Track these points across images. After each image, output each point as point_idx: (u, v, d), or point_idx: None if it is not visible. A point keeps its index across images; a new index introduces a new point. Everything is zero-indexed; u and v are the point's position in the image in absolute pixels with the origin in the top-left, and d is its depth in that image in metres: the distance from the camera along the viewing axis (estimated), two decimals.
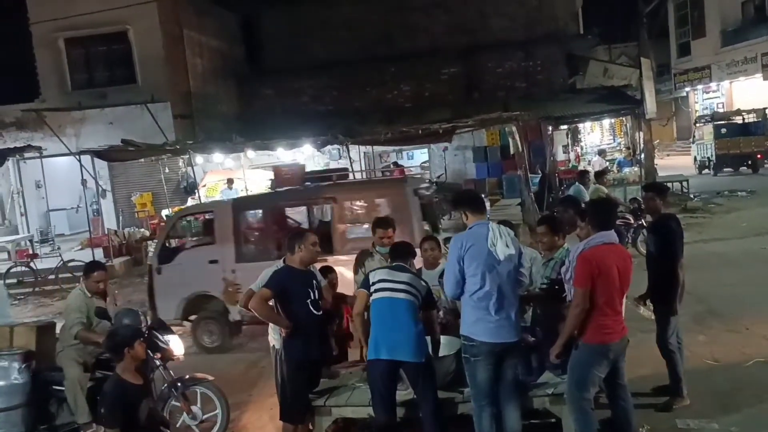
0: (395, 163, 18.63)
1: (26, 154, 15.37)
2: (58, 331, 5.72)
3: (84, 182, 14.92)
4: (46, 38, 17.30)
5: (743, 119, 22.42)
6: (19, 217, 16.98)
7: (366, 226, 8.91)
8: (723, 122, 22.41)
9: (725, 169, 21.13)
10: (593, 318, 4.17)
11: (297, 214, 9.34)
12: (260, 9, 20.94)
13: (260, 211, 8.97)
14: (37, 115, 16.31)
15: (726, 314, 7.44)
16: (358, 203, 9.08)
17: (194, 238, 10.25)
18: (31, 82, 17.61)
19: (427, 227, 8.64)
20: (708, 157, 22.00)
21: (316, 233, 8.39)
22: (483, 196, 14.91)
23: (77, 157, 14.10)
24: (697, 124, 24.11)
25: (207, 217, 9.62)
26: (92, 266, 5.77)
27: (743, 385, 5.53)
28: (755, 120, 22.11)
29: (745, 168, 21.02)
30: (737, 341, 6.60)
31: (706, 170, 22.08)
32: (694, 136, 24.20)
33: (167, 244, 9.16)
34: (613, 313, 4.25)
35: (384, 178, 9.21)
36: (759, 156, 20.65)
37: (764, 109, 22.19)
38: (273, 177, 9.42)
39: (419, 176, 10.60)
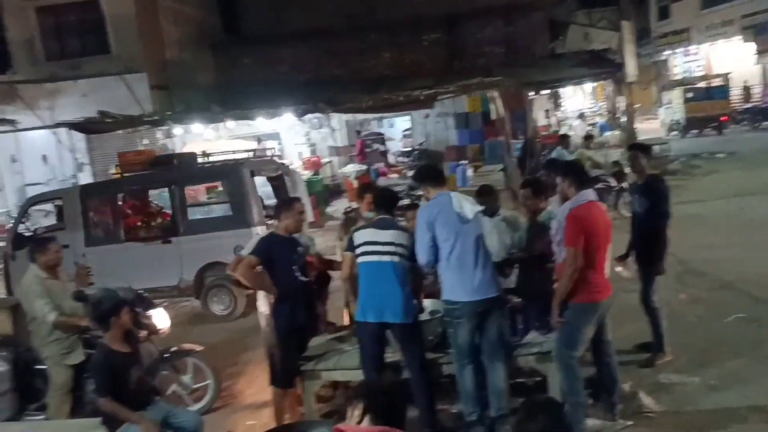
0: (357, 132, 18.41)
1: None
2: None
3: (44, 157, 14.73)
4: (15, 7, 16.80)
5: (708, 84, 23.70)
6: None
7: (206, 208, 9.48)
8: (690, 87, 23.50)
9: (692, 131, 22.19)
10: (584, 277, 4.21)
11: (145, 198, 9.64)
12: None
13: (107, 196, 9.26)
14: (9, 88, 15.94)
15: (706, 273, 7.60)
16: (197, 186, 9.57)
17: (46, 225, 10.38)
18: (1, 53, 17.14)
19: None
20: (677, 120, 22.98)
21: (162, 215, 9.01)
22: (465, 162, 15.01)
23: (53, 130, 13.86)
24: (665, 90, 24.81)
25: (56, 203, 9.78)
26: (44, 241, 5.33)
27: (723, 340, 5.68)
28: (720, 85, 23.42)
29: (709, 130, 22.04)
30: (717, 299, 6.75)
31: (674, 132, 22.85)
32: (660, 101, 24.83)
33: (20, 231, 9.38)
34: (602, 271, 4.31)
35: (222, 162, 9.96)
36: (723, 118, 21.88)
37: (727, 74, 23.82)
38: (118, 162, 9.71)
39: (268, 158, 11.09)
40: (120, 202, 9.29)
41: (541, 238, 4.91)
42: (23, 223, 9.62)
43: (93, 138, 15.98)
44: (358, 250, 4.51)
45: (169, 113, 14.71)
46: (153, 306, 5.39)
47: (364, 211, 5.70)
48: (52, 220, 10.83)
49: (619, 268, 5.51)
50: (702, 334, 5.89)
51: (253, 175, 8.61)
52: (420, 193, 12.17)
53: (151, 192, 9.87)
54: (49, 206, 11.18)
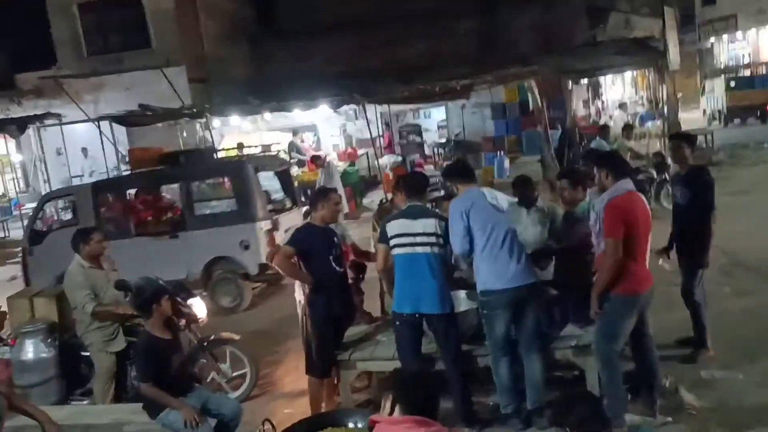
0: (386, 125, 18.39)
1: (46, 122, 15.44)
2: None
3: (84, 150, 15.11)
4: (60, 4, 17.24)
5: (752, 72, 23.16)
6: (42, 183, 17.17)
7: (213, 203, 9.97)
8: (733, 75, 22.93)
9: (735, 121, 21.43)
10: (624, 268, 4.13)
11: (155, 193, 9.78)
12: None
13: (118, 192, 9.51)
14: (54, 82, 16.36)
15: (752, 266, 7.37)
16: (204, 183, 10.19)
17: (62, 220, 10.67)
18: (47, 49, 17.61)
19: (287, 200, 9.75)
20: (719, 110, 22.23)
21: (174, 210, 9.21)
22: (501, 153, 14.86)
23: (96, 123, 14.18)
24: (707, 78, 24.07)
25: (70, 199, 10.03)
26: (86, 231, 5.46)
27: None
28: (765, 73, 22.73)
29: (753, 119, 21.26)
30: (763, 293, 6.55)
31: (716, 122, 22.15)
32: (703, 89, 24.13)
33: (36, 227, 9.72)
34: (643, 262, 4.22)
35: (228, 159, 10.25)
36: None
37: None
38: (129, 159, 9.98)
39: (274, 153, 11.36)
40: (130, 198, 9.56)
41: (578, 230, 4.84)
42: (39, 219, 9.94)
43: (134, 131, 16.30)
44: (392, 242, 4.48)
45: (207, 106, 14.92)
46: (192, 295, 5.48)
47: (399, 203, 5.68)
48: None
49: (660, 261, 5.39)
50: (747, 328, 5.73)
51: (257, 170, 8.82)
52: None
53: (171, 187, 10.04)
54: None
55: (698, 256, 5.27)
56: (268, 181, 10.32)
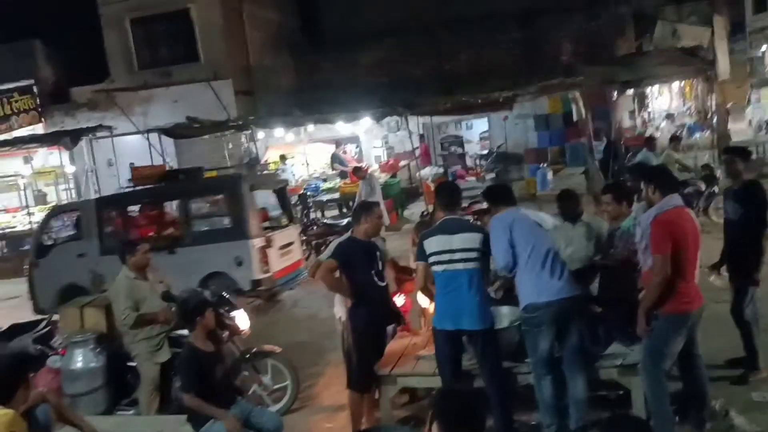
0: (421, 137, 18.34)
1: (98, 134, 15.96)
2: None
3: (131, 164, 15.59)
4: (113, 19, 17.85)
5: None
6: (94, 194, 17.72)
7: (210, 219, 10.19)
8: None
9: None
10: (673, 286, 4.03)
11: (157, 209, 10.07)
12: None
13: (120, 207, 9.79)
14: (107, 95, 16.92)
15: None
16: (201, 199, 10.47)
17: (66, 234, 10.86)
18: (100, 63, 18.23)
19: (284, 218, 9.96)
20: (766, 120, 21.80)
21: (175, 226, 9.42)
22: (545, 164, 14.68)
23: (145, 135, 14.60)
24: (753, 88, 23.54)
25: (76, 214, 10.27)
26: (132, 243, 5.61)
27: None
28: None
29: None
30: None
31: (762, 132, 21.56)
32: (749, 99, 23.56)
33: (42, 241, 9.96)
34: (692, 280, 4.12)
35: (224, 176, 10.83)
36: None
37: None
38: (131, 176, 10.29)
39: (273, 172, 11.61)
40: (133, 213, 9.88)
41: (623, 245, 4.76)
42: (46, 233, 10.24)
43: (182, 142, 16.71)
44: (431, 259, 4.44)
45: (252, 118, 15.21)
46: (235, 307, 5.55)
47: (439, 216, 5.66)
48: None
49: (712, 277, 5.24)
50: None
51: (253, 188, 9.02)
52: None
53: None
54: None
55: (750, 274, 5.12)
56: (266, 198, 10.64)
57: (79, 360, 5.43)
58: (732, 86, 20.44)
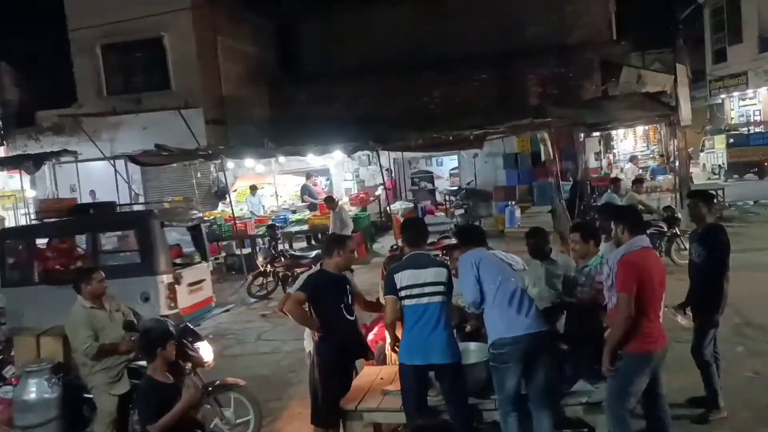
0: (388, 171, 18.50)
1: (62, 159, 15.68)
2: None
3: (92, 193, 15.43)
4: (83, 45, 17.69)
5: (748, 131, 24.77)
6: None
7: (121, 254, 10.27)
8: (734, 132, 24.51)
9: (734, 176, 22.91)
10: (637, 325, 4.09)
11: (66, 243, 9.96)
12: (296, 16, 21.11)
13: (25, 240, 9.79)
14: (73, 120, 16.68)
15: (765, 326, 7.26)
16: (110, 234, 10.56)
17: None
18: (68, 87, 18.02)
19: (197, 255, 10.03)
20: (719, 165, 23.77)
21: (78, 259, 9.35)
22: (513, 203, 14.90)
23: (111, 161, 14.38)
24: (707, 135, 26.19)
25: None
26: (86, 270, 5.46)
27: None
28: (762, 131, 24.48)
29: (751, 175, 22.83)
30: None
31: (715, 176, 23.70)
32: (703, 146, 25.21)
33: None
34: (656, 320, 4.17)
35: (134, 212, 11.02)
36: (767, 164, 22.87)
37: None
38: (38, 209, 10.37)
39: (183, 208, 11.84)
40: (37, 246, 9.74)
41: (590, 284, 4.81)
42: None
43: (149, 170, 16.53)
44: (402, 293, 4.45)
45: (222, 147, 15.12)
46: (199, 338, 5.43)
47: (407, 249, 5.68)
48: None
49: (678, 317, 5.33)
50: (760, 390, 5.61)
51: (164, 225, 9.03)
52: None
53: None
54: None
55: (710, 315, 5.22)
56: (180, 235, 10.71)
57: (32, 390, 5.22)
58: (692, 131, 21.22)
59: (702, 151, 26.20)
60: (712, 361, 5.24)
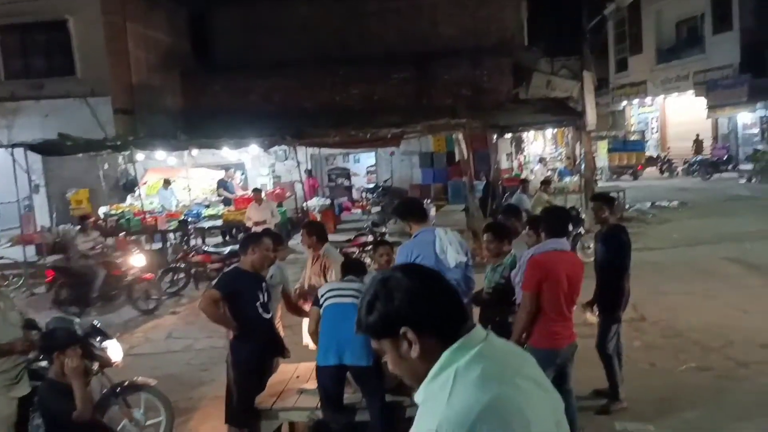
0: (308, 171, 18.48)
1: None
2: None
3: None
4: None
5: (624, 137, 27.98)
6: None
7: None
8: (612, 138, 27.41)
9: (613, 177, 25.48)
10: (541, 322, 4.27)
11: None
12: (211, 4, 20.51)
13: None
14: None
15: (660, 321, 7.76)
16: None
17: None
18: None
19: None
20: (600, 168, 26.11)
21: None
22: (428, 201, 15.18)
23: (10, 150, 13.48)
24: (592, 140, 28.24)
25: None
26: None
27: (678, 389, 5.78)
28: (636, 139, 27.91)
29: (626, 176, 25.50)
30: (671, 347, 6.89)
31: (597, 176, 25.72)
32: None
33: None
34: (562, 319, 4.35)
35: None
36: (639, 167, 26.03)
37: (643, 131, 29.52)
38: None
39: None
40: None
41: (504, 281, 4.97)
42: None
43: (51, 160, 15.58)
44: (323, 298, 4.49)
45: (132, 138, 14.49)
46: (108, 337, 5.20)
47: (303, 245, 5.79)
48: None
49: (587, 314, 5.60)
50: (657, 382, 5.99)
51: None
52: (383, 230, 12.17)
53: None
54: None
55: (612, 312, 5.52)
56: None
57: None
58: (595, 135, 22.42)
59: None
60: (615, 355, 5.54)
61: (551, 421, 1.59)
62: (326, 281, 5.38)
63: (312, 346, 5.17)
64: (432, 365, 1.52)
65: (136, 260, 10.47)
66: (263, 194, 13.44)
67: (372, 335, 1.60)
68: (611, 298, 5.49)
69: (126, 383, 5.21)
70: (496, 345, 1.60)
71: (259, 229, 9.57)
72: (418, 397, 1.56)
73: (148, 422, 5.25)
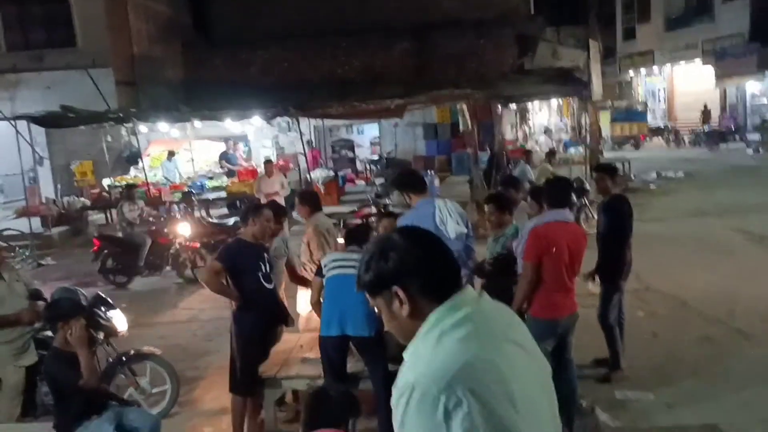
0: (309, 143, 18.33)
1: None
2: None
3: None
4: None
5: (628, 107, 28.13)
6: None
7: None
8: (615, 109, 27.46)
9: (615, 147, 25.77)
10: (542, 293, 4.27)
11: None
12: None
13: None
14: None
15: (663, 291, 7.77)
16: None
17: None
18: None
19: None
20: (603, 138, 26.21)
21: None
22: (431, 172, 15.14)
23: (12, 122, 13.46)
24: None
25: None
26: None
27: (679, 359, 5.81)
28: (639, 110, 27.95)
29: (628, 146, 26.08)
30: (674, 317, 6.92)
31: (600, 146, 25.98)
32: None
33: None
34: (563, 290, 4.35)
35: None
36: (642, 137, 26.44)
37: (645, 102, 29.33)
38: None
39: None
40: None
41: (506, 252, 4.97)
42: None
43: (54, 132, 15.58)
44: (326, 269, 4.47)
45: (134, 110, 14.44)
46: (112, 307, 5.24)
47: (300, 215, 5.86)
48: None
49: (589, 284, 5.61)
50: (658, 351, 6.03)
51: None
52: (387, 201, 12.12)
53: None
54: None
55: (613, 281, 5.52)
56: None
57: None
58: (602, 106, 22.24)
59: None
60: (616, 325, 5.56)
61: (536, 385, 1.64)
62: (311, 253, 5.40)
63: (303, 316, 5.20)
64: (421, 324, 1.57)
65: (182, 228, 10.37)
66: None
67: (368, 292, 1.67)
68: (612, 267, 5.49)
69: (132, 352, 5.28)
70: (485, 308, 1.63)
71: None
72: (406, 353, 1.60)
73: (154, 390, 5.33)
